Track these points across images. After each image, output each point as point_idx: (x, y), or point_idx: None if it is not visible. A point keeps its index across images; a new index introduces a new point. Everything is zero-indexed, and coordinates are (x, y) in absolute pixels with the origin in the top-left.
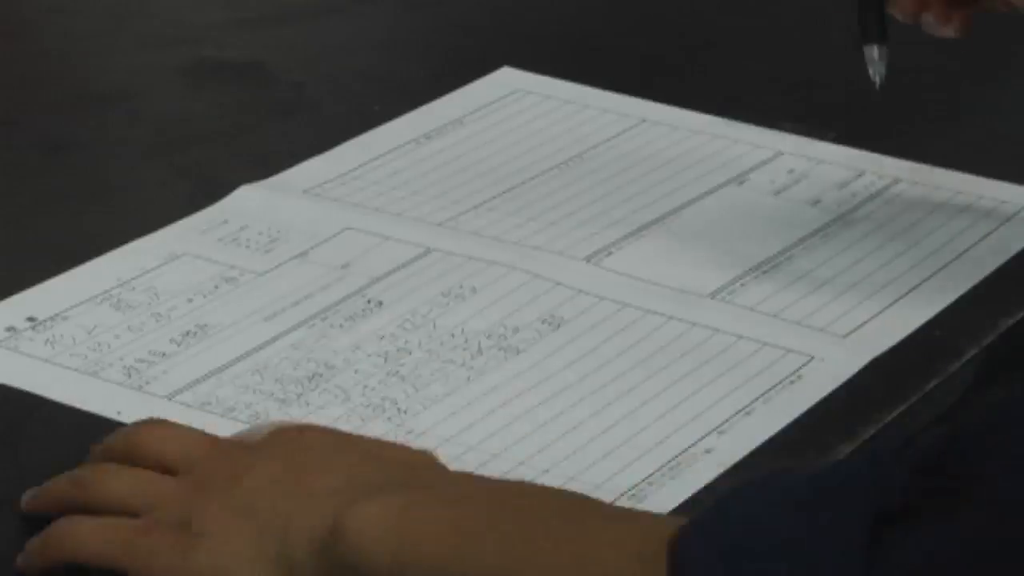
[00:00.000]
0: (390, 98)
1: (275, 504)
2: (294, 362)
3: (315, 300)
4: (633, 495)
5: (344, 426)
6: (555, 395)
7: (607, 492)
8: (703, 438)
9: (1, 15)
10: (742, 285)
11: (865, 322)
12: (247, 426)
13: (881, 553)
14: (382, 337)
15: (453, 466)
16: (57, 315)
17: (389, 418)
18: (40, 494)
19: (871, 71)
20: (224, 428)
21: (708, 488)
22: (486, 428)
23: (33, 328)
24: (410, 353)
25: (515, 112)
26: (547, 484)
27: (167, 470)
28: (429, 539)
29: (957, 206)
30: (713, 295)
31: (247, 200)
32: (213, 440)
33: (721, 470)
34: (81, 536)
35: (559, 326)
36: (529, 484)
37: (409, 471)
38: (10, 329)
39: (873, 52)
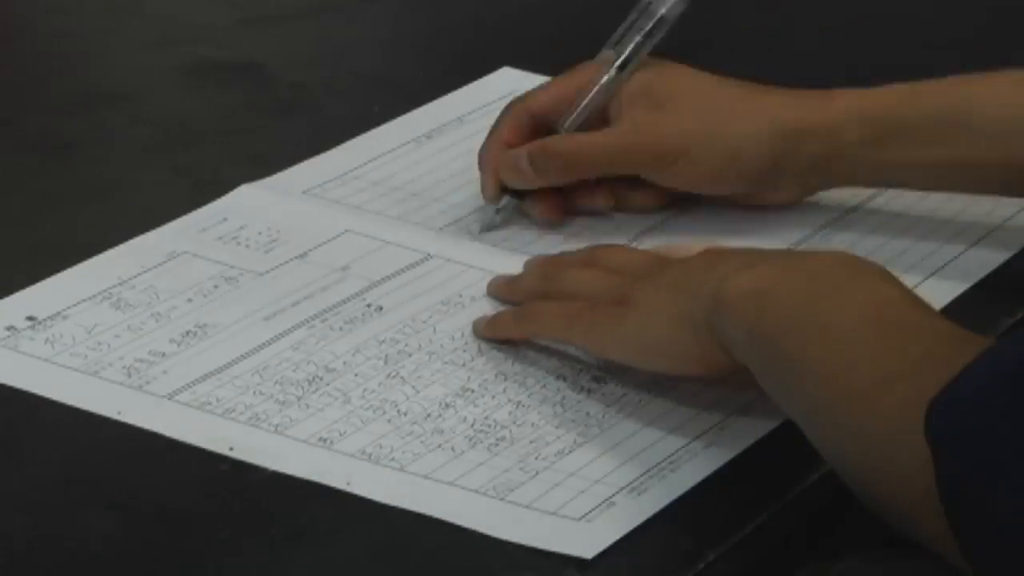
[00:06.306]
0: (390, 98)
1: (692, 277)
2: (294, 364)
3: (315, 302)
4: (633, 489)
5: (344, 427)
6: (555, 394)
7: (607, 487)
8: (702, 435)
9: (1, 15)
10: None
11: None
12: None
13: None
14: (382, 341)
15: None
16: (57, 314)
17: (389, 420)
18: (511, 283)
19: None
20: (224, 428)
21: (707, 484)
22: (489, 425)
23: (33, 328)
24: (410, 355)
25: None
26: (547, 480)
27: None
28: (780, 308)
29: (957, 205)
30: None
31: (247, 200)
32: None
33: (719, 465)
34: (546, 314)
35: None
36: None
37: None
38: (10, 329)
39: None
